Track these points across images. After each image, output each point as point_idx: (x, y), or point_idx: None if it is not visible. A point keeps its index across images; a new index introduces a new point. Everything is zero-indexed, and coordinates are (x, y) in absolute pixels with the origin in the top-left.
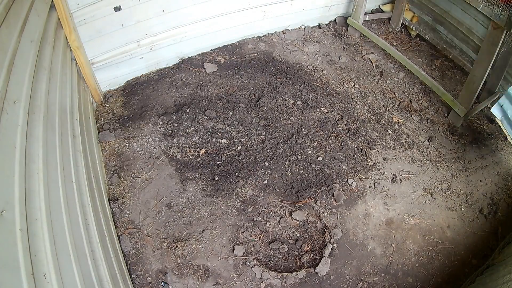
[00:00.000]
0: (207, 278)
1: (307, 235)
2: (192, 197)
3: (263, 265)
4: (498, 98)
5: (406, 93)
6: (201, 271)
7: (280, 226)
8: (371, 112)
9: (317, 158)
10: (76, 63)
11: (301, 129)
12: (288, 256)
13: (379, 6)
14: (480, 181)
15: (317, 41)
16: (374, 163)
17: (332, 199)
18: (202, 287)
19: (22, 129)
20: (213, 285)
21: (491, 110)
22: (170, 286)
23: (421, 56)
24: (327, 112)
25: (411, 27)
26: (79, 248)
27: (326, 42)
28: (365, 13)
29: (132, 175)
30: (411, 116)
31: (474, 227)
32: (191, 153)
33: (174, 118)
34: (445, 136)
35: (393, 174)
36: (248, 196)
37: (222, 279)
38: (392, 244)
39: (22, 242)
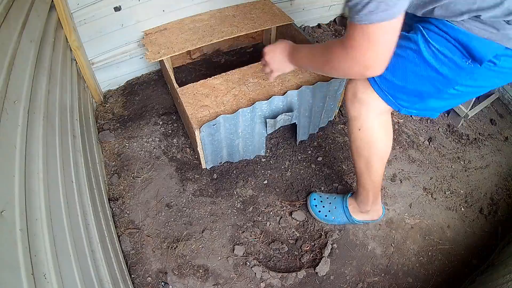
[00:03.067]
0: (207, 278)
1: (307, 235)
2: (192, 197)
3: (263, 265)
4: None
5: None
6: (201, 271)
7: (280, 226)
8: None
9: (317, 158)
10: (76, 63)
11: None
12: (288, 256)
13: None
14: (480, 181)
15: (316, 41)
16: None
17: None
18: (202, 287)
19: (22, 129)
20: (213, 285)
21: None
22: (170, 286)
23: None
24: None
25: None
26: (79, 248)
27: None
28: None
29: (132, 175)
30: (411, 116)
31: (474, 227)
32: (191, 153)
33: (174, 118)
34: (445, 136)
35: (393, 174)
36: (248, 196)
37: (222, 279)
38: (392, 244)
39: (22, 242)
